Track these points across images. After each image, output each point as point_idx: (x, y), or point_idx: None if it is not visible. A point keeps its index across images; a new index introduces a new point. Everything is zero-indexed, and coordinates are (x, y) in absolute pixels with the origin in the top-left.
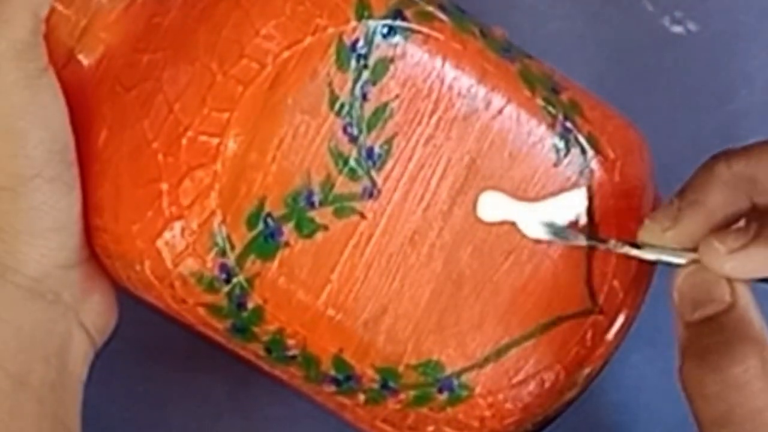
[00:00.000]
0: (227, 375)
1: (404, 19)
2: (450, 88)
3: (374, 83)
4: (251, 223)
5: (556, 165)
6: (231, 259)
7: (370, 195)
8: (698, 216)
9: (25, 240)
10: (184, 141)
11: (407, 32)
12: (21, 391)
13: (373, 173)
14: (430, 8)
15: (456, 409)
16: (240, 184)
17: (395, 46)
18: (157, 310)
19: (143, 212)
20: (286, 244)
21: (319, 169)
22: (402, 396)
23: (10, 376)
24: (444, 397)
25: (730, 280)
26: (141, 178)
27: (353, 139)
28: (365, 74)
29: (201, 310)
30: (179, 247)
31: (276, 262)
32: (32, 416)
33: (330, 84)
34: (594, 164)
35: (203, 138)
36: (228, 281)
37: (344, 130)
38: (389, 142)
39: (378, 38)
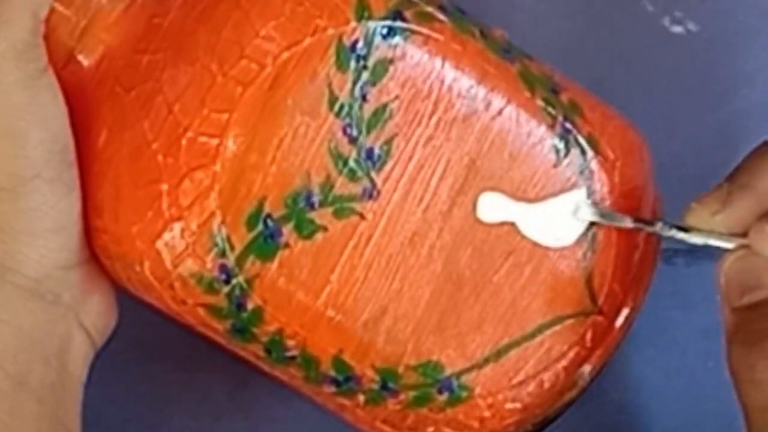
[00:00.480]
0: (227, 375)
1: (404, 20)
2: (450, 89)
3: (374, 84)
4: (251, 224)
5: (555, 166)
6: (231, 260)
7: (370, 196)
8: (749, 200)
9: (24, 241)
10: (183, 142)
11: (407, 33)
12: (21, 392)
13: (373, 174)
14: (430, 9)
15: (456, 409)
16: (240, 185)
17: (395, 47)
18: (157, 311)
19: (143, 213)
20: (286, 244)
21: (319, 170)
22: (402, 397)
23: (9, 376)
24: (444, 397)
25: None
26: (141, 178)
27: (353, 140)
28: (365, 75)
29: (201, 311)
30: (179, 248)
31: (276, 263)
32: (32, 416)
33: (329, 85)
34: (594, 165)
35: (203, 139)
36: (228, 282)
37: (344, 131)
38: (389, 143)
39: (377, 39)
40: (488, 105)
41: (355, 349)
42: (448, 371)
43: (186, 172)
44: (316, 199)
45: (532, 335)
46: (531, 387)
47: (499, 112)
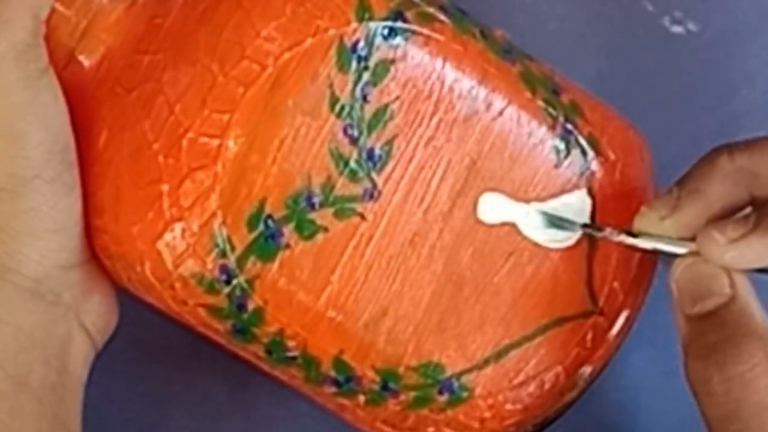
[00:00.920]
0: (227, 375)
1: (405, 20)
2: (450, 89)
3: (375, 85)
4: (252, 225)
5: (556, 166)
6: (231, 261)
7: (371, 196)
8: (697, 205)
9: (24, 241)
10: (184, 142)
11: (408, 34)
12: (21, 392)
13: (374, 175)
14: (431, 10)
15: (456, 410)
16: (240, 185)
17: (396, 47)
18: (157, 311)
19: (144, 213)
20: (287, 245)
21: (320, 170)
22: (402, 397)
23: (10, 376)
24: (444, 398)
25: (729, 273)
26: (141, 179)
27: (354, 141)
28: (366, 76)
29: (201, 312)
30: (180, 249)
31: (276, 264)
32: (32, 417)
33: (331, 85)
34: (594, 165)
35: (204, 139)
36: (228, 282)
37: (345, 131)
38: (390, 143)
39: (378, 40)
40: (489, 106)
41: (356, 350)
42: (448, 372)
43: (187, 173)
44: (316, 199)
45: (533, 336)
46: (531, 388)
47: (500, 113)
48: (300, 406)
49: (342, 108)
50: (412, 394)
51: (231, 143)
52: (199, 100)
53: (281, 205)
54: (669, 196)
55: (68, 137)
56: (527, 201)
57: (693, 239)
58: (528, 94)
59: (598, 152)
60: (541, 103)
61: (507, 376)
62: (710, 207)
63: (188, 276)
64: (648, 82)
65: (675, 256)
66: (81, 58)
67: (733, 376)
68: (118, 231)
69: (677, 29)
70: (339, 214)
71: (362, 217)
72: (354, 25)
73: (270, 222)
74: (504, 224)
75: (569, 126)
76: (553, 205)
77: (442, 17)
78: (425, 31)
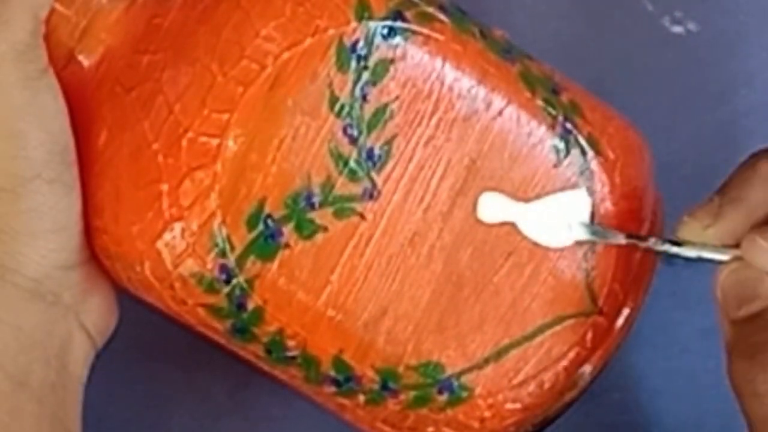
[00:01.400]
0: (227, 375)
1: (404, 20)
2: (450, 89)
3: (374, 84)
4: (251, 224)
5: (556, 166)
6: (231, 260)
7: (370, 196)
8: (740, 212)
9: (24, 241)
10: (184, 142)
11: (407, 33)
12: (21, 392)
13: (373, 174)
14: (431, 9)
15: (456, 409)
16: (240, 185)
17: (395, 47)
18: (157, 311)
19: (143, 213)
20: (286, 245)
21: (320, 170)
22: (402, 397)
23: (9, 376)
24: (444, 398)
25: None
26: (141, 179)
27: (353, 140)
28: (365, 75)
29: (201, 311)
30: (179, 248)
31: (276, 263)
32: (32, 417)
33: (330, 85)
34: (594, 165)
35: (203, 139)
36: (228, 282)
37: (344, 131)
38: (389, 143)
39: (378, 39)
40: (489, 105)
41: (356, 350)
42: (448, 371)
43: (186, 173)
44: (316, 199)
45: (533, 336)
46: (531, 387)
47: (500, 113)
48: (300, 406)
49: (341, 107)
50: (412, 393)
51: (230, 143)
52: (198, 100)
53: (281, 204)
54: (711, 204)
55: (68, 137)
56: (527, 200)
57: (736, 246)
58: (527, 94)
59: (598, 152)
60: (540, 102)
61: (507, 376)
62: (753, 213)
63: (188, 276)
64: (648, 82)
65: (720, 263)
66: (81, 57)
67: None
68: (118, 231)
69: (677, 29)
70: (338, 214)
71: (362, 216)
72: (353, 24)
73: (269, 221)
74: (504, 224)
75: (569, 125)
76: (553, 205)
77: (442, 17)
78: (425, 30)
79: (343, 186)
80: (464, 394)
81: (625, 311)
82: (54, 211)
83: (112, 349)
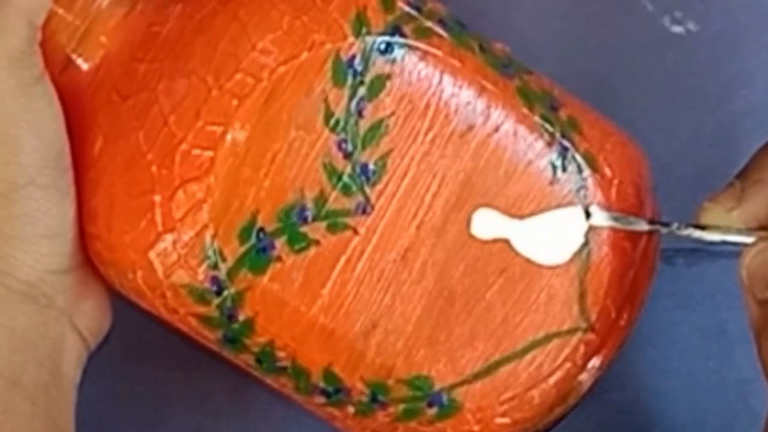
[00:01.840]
0: (227, 375)
1: (402, 35)
2: (447, 104)
3: (370, 100)
4: (243, 237)
5: (551, 183)
6: (222, 272)
7: (364, 211)
8: (763, 195)
9: (17, 246)
10: (178, 154)
11: (405, 48)
12: (14, 392)
13: (367, 189)
14: (429, 24)
15: (445, 423)
16: (233, 198)
17: (392, 62)
18: (153, 315)
19: (136, 223)
20: (278, 258)
21: (313, 184)
22: (391, 409)
23: (3, 377)
24: (433, 411)
25: None
26: (135, 188)
27: (347, 155)
28: (361, 90)
29: (192, 321)
30: (171, 259)
31: (267, 276)
32: (25, 416)
33: (325, 100)
34: (590, 183)
35: (197, 151)
36: (219, 293)
37: (339, 146)
38: (384, 158)
39: (375, 54)
40: (485, 121)
41: (346, 362)
42: (437, 386)
43: (179, 184)
44: (309, 213)
45: (524, 352)
46: (521, 403)
47: (496, 129)
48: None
49: (336, 122)
50: (401, 406)
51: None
52: (193, 112)
53: (273, 218)
54: (732, 188)
55: (63, 144)
56: (521, 217)
57: (760, 228)
58: (525, 110)
59: (595, 169)
60: (537, 119)
61: (496, 391)
62: None
63: (179, 286)
64: (648, 82)
65: (744, 246)
66: (79, 61)
67: None
68: (111, 239)
69: (677, 29)
70: (331, 228)
71: (354, 231)
72: (350, 39)
73: (262, 235)
74: (497, 240)
75: (566, 142)
76: (548, 222)
77: (441, 31)
78: (422, 45)
79: (336, 200)
80: (453, 408)
81: (617, 329)
82: (47, 216)
83: (112, 349)
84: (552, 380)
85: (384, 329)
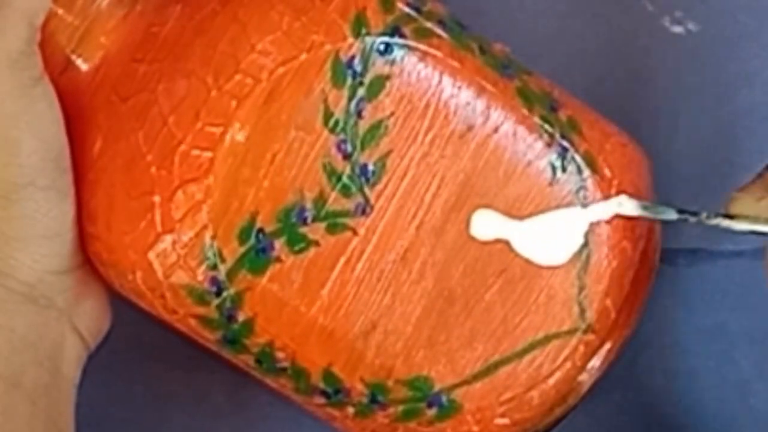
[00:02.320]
0: (227, 375)
1: (402, 35)
2: (446, 105)
3: (370, 100)
4: (242, 238)
5: (551, 184)
6: (221, 273)
7: (363, 212)
8: None
9: (17, 246)
10: (177, 154)
11: (405, 49)
12: (14, 393)
13: (367, 190)
14: (429, 24)
15: (444, 424)
16: (232, 198)
17: (392, 63)
18: (153, 315)
19: (135, 224)
20: (278, 259)
21: (312, 185)
22: (391, 410)
23: (3, 378)
24: (433, 412)
25: None
26: (134, 189)
27: (347, 156)
28: (361, 91)
29: (192, 321)
30: (170, 260)
31: (267, 277)
32: (25, 417)
33: (325, 100)
34: (590, 183)
35: (196, 152)
36: (218, 294)
37: (338, 146)
38: (383, 159)
39: (375, 55)
40: (484, 122)
41: (345, 363)
42: (437, 386)
43: (179, 185)
44: (308, 214)
45: (523, 352)
46: (520, 403)
47: (496, 129)
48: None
49: (336, 123)
50: (401, 407)
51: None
52: (192, 113)
53: (273, 218)
54: (762, 178)
55: (62, 145)
56: (521, 218)
57: None
58: (524, 111)
59: (594, 170)
60: (537, 119)
61: (496, 392)
62: None
63: (178, 286)
64: (648, 82)
65: None
66: (79, 62)
67: None
68: (111, 239)
69: (677, 29)
70: (331, 229)
71: (354, 232)
72: (350, 40)
73: (261, 236)
74: (497, 241)
75: (565, 143)
76: (547, 222)
77: (440, 32)
78: (422, 46)
79: (335, 201)
80: (453, 408)
81: (617, 330)
82: (47, 217)
83: (112, 349)
84: (552, 381)
85: (383, 330)
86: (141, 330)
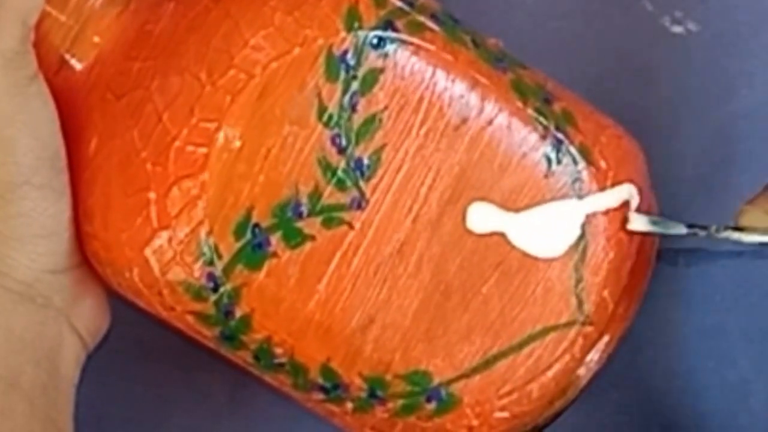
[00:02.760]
0: (227, 375)
1: (395, 29)
2: (440, 98)
3: (363, 94)
4: (238, 233)
5: (546, 176)
6: (218, 269)
7: (359, 206)
8: None
9: (14, 246)
10: (172, 151)
11: (398, 43)
12: (12, 393)
13: (362, 184)
14: (422, 18)
15: (444, 418)
16: (227, 194)
17: (385, 56)
18: (151, 314)
19: (132, 221)
20: (274, 254)
21: (307, 179)
22: (390, 405)
23: (0, 378)
24: (432, 406)
25: None
26: (130, 186)
27: (342, 150)
28: (354, 85)
29: (189, 318)
30: (167, 256)
31: (263, 272)
32: (24, 417)
33: (319, 95)
34: (585, 175)
35: (191, 148)
36: (215, 290)
37: (333, 141)
38: (378, 152)
39: (368, 49)
40: (479, 114)
41: (343, 358)
42: (436, 380)
43: (174, 181)
44: (304, 208)
45: (521, 345)
46: (519, 397)
47: (490, 122)
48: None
49: (330, 117)
50: (400, 401)
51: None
52: (187, 109)
53: (268, 213)
54: None
55: (58, 144)
56: (517, 210)
57: None
58: (519, 103)
59: (590, 162)
60: (531, 112)
61: (495, 385)
62: None
63: (175, 283)
64: (648, 82)
65: None
66: (73, 61)
67: None
68: (107, 237)
69: (677, 29)
70: (326, 223)
71: (350, 226)
72: (343, 34)
73: (257, 231)
74: (493, 234)
75: (560, 135)
76: (543, 214)
77: (433, 26)
78: (415, 40)
79: (331, 195)
80: (452, 402)
81: (615, 322)
82: (43, 216)
83: (112, 349)
84: (550, 373)
85: (381, 324)
86: (141, 330)
